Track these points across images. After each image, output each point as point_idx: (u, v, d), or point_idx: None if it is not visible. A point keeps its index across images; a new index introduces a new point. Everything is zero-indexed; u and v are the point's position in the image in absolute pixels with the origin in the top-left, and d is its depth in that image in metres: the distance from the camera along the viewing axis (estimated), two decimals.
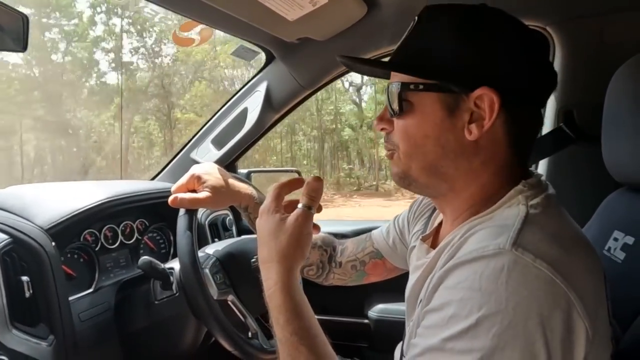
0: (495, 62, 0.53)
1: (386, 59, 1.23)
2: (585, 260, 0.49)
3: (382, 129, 0.62)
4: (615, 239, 0.72)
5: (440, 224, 0.71)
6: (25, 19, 0.72)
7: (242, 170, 1.56)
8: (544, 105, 0.60)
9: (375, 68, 0.65)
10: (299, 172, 1.59)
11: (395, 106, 0.57)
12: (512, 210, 0.52)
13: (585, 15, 1.08)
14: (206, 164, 0.88)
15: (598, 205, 0.83)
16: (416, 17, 0.59)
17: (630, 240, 0.68)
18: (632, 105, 0.67)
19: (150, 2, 0.95)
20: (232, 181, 0.87)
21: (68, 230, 0.94)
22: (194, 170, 0.84)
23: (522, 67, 0.54)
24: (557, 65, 1.12)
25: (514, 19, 0.56)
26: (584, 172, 1.08)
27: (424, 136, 0.56)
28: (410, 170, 0.59)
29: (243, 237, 1.18)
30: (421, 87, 0.55)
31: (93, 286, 1.00)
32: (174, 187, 0.83)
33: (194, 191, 0.83)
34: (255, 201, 0.89)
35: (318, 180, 0.63)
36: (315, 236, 0.93)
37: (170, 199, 0.81)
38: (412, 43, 0.58)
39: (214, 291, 0.89)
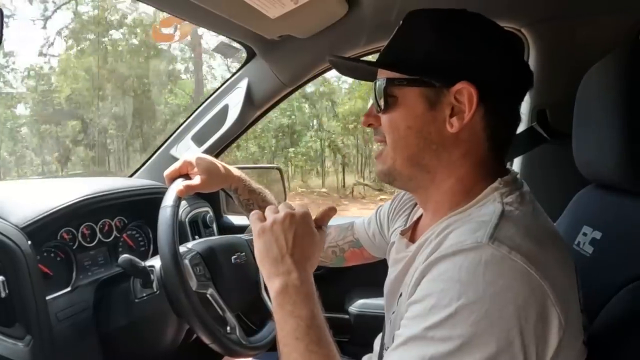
0: (474, 58, 0.57)
1: (367, 58, 1.25)
2: (558, 253, 0.52)
3: (369, 125, 0.66)
4: (584, 234, 0.75)
5: (419, 218, 0.74)
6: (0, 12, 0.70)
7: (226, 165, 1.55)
8: (521, 100, 0.63)
9: (358, 69, 0.69)
10: (280, 170, 1.59)
11: (381, 101, 0.61)
12: (488, 207, 0.55)
13: (557, 18, 1.11)
14: (195, 153, 0.92)
15: (568, 202, 0.87)
16: (402, 22, 0.62)
17: (597, 235, 0.72)
18: (600, 106, 0.70)
19: None
20: (221, 164, 0.90)
21: (44, 229, 0.92)
22: (186, 156, 0.88)
23: (498, 63, 0.58)
24: (531, 66, 1.15)
25: (490, 21, 0.60)
26: (555, 169, 1.12)
27: (407, 127, 0.60)
28: (395, 163, 0.62)
29: (226, 235, 1.18)
30: (404, 82, 0.59)
31: (71, 285, 0.98)
32: (167, 172, 0.86)
33: (187, 176, 0.88)
34: (244, 183, 0.94)
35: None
36: None
37: (169, 184, 0.85)
38: (396, 42, 0.62)
39: (193, 283, 0.89)
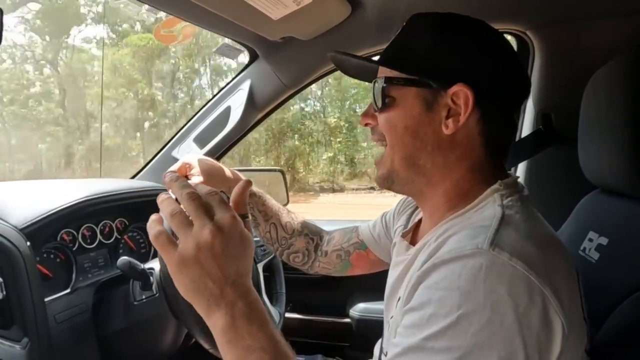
0: (471, 61, 0.58)
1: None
2: (559, 258, 0.51)
3: (366, 124, 0.66)
4: (590, 240, 0.73)
5: (420, 220, 0.73)
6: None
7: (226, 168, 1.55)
8: (516, 110, 0.63)
9: (362, 68, 0.69)
10: (282, 172, 1.58)
11: (379, 100, 0.61)
12: (488, 211, 0.54)
13: (563, 21, 1.11)
14: (195, 154, 0.89)
15: (574, 207, 0.85)
16: (404, 24, 0.63)
17: (604, 240, 0.70)
18: (607, 110, 0.69)
19: None
20: (221, 167, 0.88)
21: (44, 230, 0.91)
22: (185, 158, 0.86)
23: (496, 69, 0.58)
24: (535, 69, 1.15)
25: (491, 27, 0.60)
26: (561, 174, 1.10)
27: (404, 127, 0.60)
28: (394, 164, 0.62)
29: None
30: (402, 82, 0.60)
31: (70, 287, 0.98)
32: (165, 175, 0.83)
33: (186, 178, 0.84)
34: None
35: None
36: (302, 224, 0.97)
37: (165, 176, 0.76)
38: (397, 42, 0.63)
39: None
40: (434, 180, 0.61)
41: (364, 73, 0.70)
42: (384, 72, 0.62)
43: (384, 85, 0.61)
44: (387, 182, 0.64)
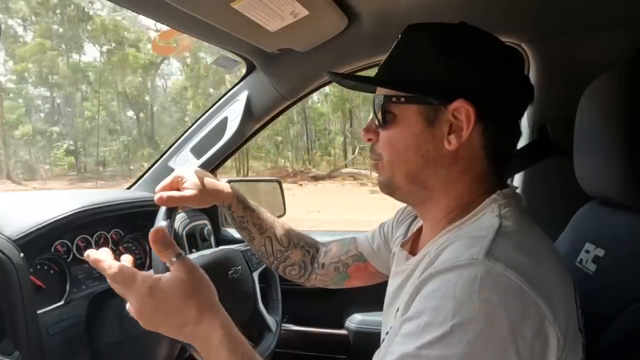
0: (471, 76, 0.57)
1: (367, 72, 1.25)
2: (554, 269, 0.51)
3: (368, 140, 0.66)
4: (587, 251, 0.73)
5: (419, 230, 0.73)
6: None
7: (221, 180, 1.54)
8: (521, 116, 0.63)
9: (360, 83, 0.68)
10: (279, 182, 1.57)
11: (380, 117, 0.61)
12: (485, 221, 0.54)
13: (558, 33, 1.12)
14: (188, 167, 0.88)
15: (570, 218, 0.85)
16: (399, 35, 0.62)
17: (600, 252, 0.70)
18: (601, 121, 0.69)
19: (131, 10, 0.94)
20: (214, 181, 0.88)
21: (38, 241, 0.91)
22: (177, 171, 0.85)
23: (496, 80, 0.57)
24: (531, 80, 1.15)
25: (490, 35, 0.59)
26: (557, 185, 1.10)
27: (406, 146, 0.60)
28: (394, 179, 0.62)
29: (221, 247, 1.16)
30: (402, 99, 0.59)
31: (64, 298, 0.96)
32: (157, 188, 0.82)
33: (178, 191, 0.82)
34: (238, 200, 0.91)
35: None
36: (298, 236, 0.96)
37: (155, 197, 0.79)
38: (394, 59, 0.62)
39: None
40: (436, 193, 0.61)
41: (362, 86, 0.70)
42: (383, 90, 0.62)
43: (384, 102, 0.60)
44: (387, 190, 0.65)
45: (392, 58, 0.63)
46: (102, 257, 0.60)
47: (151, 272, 0.58)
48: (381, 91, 0.62)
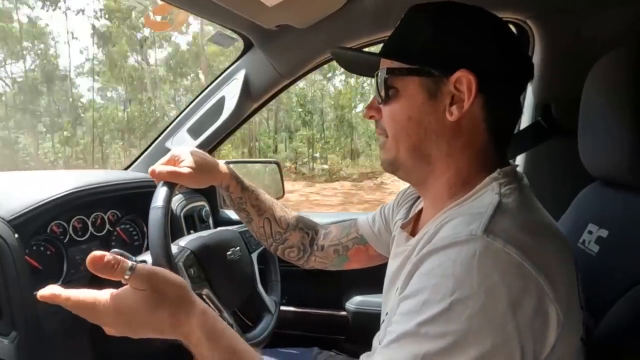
0: (472, 46, 0.57)
1: (367, 49, 1.21)
2: (555, 247, 0.51)
3: (371, 117, 0.66)
4: (590, 232, 0.73)
5: (420, 212, 0.73)
6: None
7: (219, 161, 1.53)
8: (521, 91, 0.63)
9: (361, 61, 0.69)
10: (277, 163, 1.56)
11: (382, 92, 0.61)
12: (485, 198, 0.54)
13: (563, 10, 1.09)
14: (186, 147, 0.87)
15: (573, 199, 0.84)
16: (404, 15, 0.63)
17: (604, 233, 0.70)
18: (607, 101, 0.68)
19: None
20: (212, 160, 0.86)
21: (33, 222, 0.89)
22: (174, 150, 0.84)
23: (497, 52, 0.58)
24: (535, 59, 1.13)
25: (489, 12, 0.60)
26: (560, 165, 1.09)
27: (408, 118, 0.60)
28: (399, 154, 0.62)
29: (219, 228, 1.15)
30: (404, 72, 0.59)
31: (61, 280, 0.96)
32: (153, 168, 0.80)
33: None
34: (236, 181, 0.90)
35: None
36: (297, 218, 0.96)
37: (149, 170, 0.78)
38: (397, 34, 0.63)
39: (187, 285, 0.87)
40: (437, 168, 0.61)
41: (364, 67, 0.70)
42: (385, 64, 0.62)
43: (386, 76, 0.60)
44: (391, 167, 0.65)
45: (394, 35, 0.63)
46: (56, 292, 0.55)
47: (109, 290, 0.55)
48: (383, 66, 0.62)
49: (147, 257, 0.93)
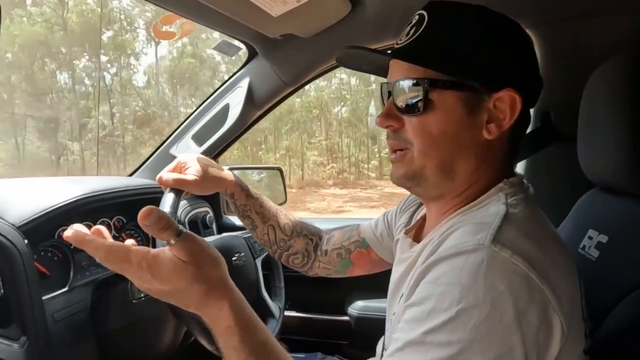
0: (516, 64, 0.56)
1: None
2: (560, 258, 0.51)
3: (387, 127, 0.60)
4: (590, 238, 0.73)
5: (424, 217, 0.72)
6: None
7: (224, 168, 1.54)
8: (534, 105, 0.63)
9: (369, 60, 0.64)
10: (280, 170, 1.57)
11: (411, 102, 0.56)
12: (491, 208, 0.54)
13: (563, 18, 1.10)
14: (192, 153, 0.87)
15: (573, 205, 0.85)
16: (425, 13, 0.57)
17: (604, 238, 0.70)
18: (606, 108, 0.69)
19: None
20: (218, 168, 0.86)
21: (41, 228, 0.91)
22: (180, 157, 0.83)
23: (531, 69, 0.57)
24: None
25: (516, 22, 0.58)
26: (560, 172, 1.10)
27: (443, 132, 0.56)
28: (425, 169, 0.58)
29: (224, 234, 1.17)
30: (447, 84, 0.55)
31: (68, 285, 0.97)
32: (160, 174, 0.81)
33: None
34: (241, 189, 0.89)
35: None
36: (300, 225, 0.96)
37: (157, 177, 0.77)
38: (430, 39, 0.56)
39: None
40: (459, 185, 0.59)
41: (371, 65, 0.66)
42: (412, 70, 0.56)
43: (427, 87, 0.55)
44: (410, 182, 0.60)
45: (425, 38, 0.56)
46: (83, 237, 0.51)
47: (145, 247, 0.51)
48: (410, 72, 0.56)
49: None
